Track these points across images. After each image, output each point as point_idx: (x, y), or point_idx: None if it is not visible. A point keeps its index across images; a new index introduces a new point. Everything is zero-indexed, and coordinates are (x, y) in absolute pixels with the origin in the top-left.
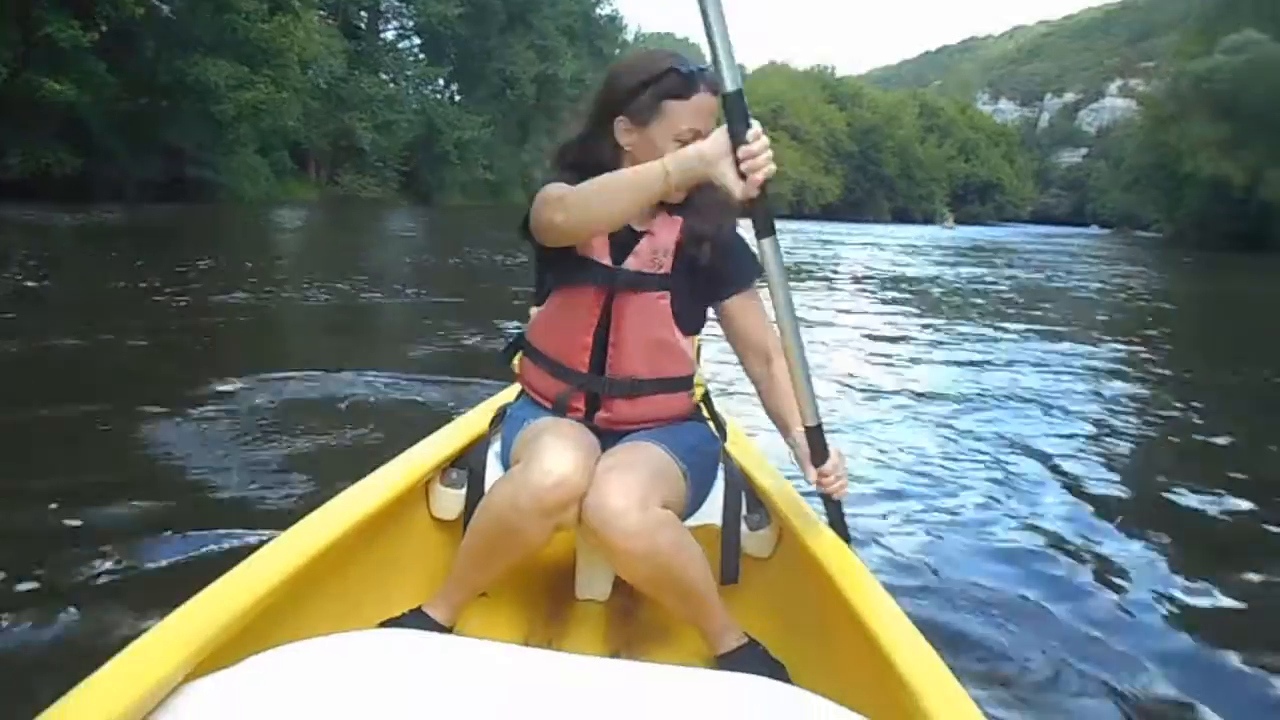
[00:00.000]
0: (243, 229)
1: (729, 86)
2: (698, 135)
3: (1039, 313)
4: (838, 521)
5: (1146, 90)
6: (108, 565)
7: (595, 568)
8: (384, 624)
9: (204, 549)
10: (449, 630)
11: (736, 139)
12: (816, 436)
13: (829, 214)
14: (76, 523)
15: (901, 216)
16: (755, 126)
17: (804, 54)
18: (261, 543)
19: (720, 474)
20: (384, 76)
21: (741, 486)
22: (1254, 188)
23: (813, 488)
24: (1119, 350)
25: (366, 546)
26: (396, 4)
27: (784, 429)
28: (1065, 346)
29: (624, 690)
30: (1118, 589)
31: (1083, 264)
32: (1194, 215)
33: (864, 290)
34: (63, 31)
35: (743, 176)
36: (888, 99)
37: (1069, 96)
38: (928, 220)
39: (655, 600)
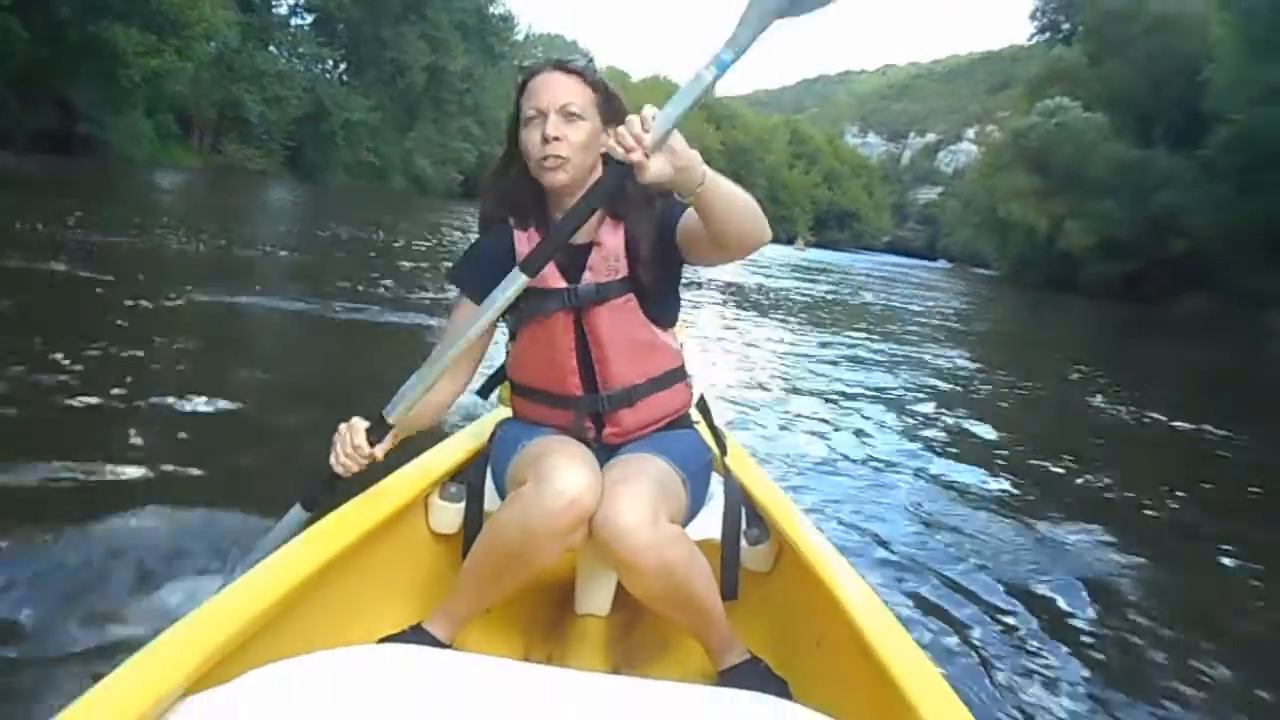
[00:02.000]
0: (133, 188)
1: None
2: (540, 114)
3: (848, 320)
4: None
5: (987, 139)
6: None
7: (596, 582)
8: (383, 640)
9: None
10: (448, 646)
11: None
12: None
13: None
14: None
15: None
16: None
17: (688, 70)
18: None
19: (720, 489)
20: (274, 51)
21: (741, 501)
22: (1055, 236)
23: (811, 502)
24: (918, 352)
25: (365, 561)
26: None
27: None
28: (879, 348)
29: (625, 707)
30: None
31: (901, 288)
32: (1015, 258)
33: (731, 299)
34: None
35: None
36: (762, 123)
37: (931, 137)
38: (790, 241)
39: (657, 615)
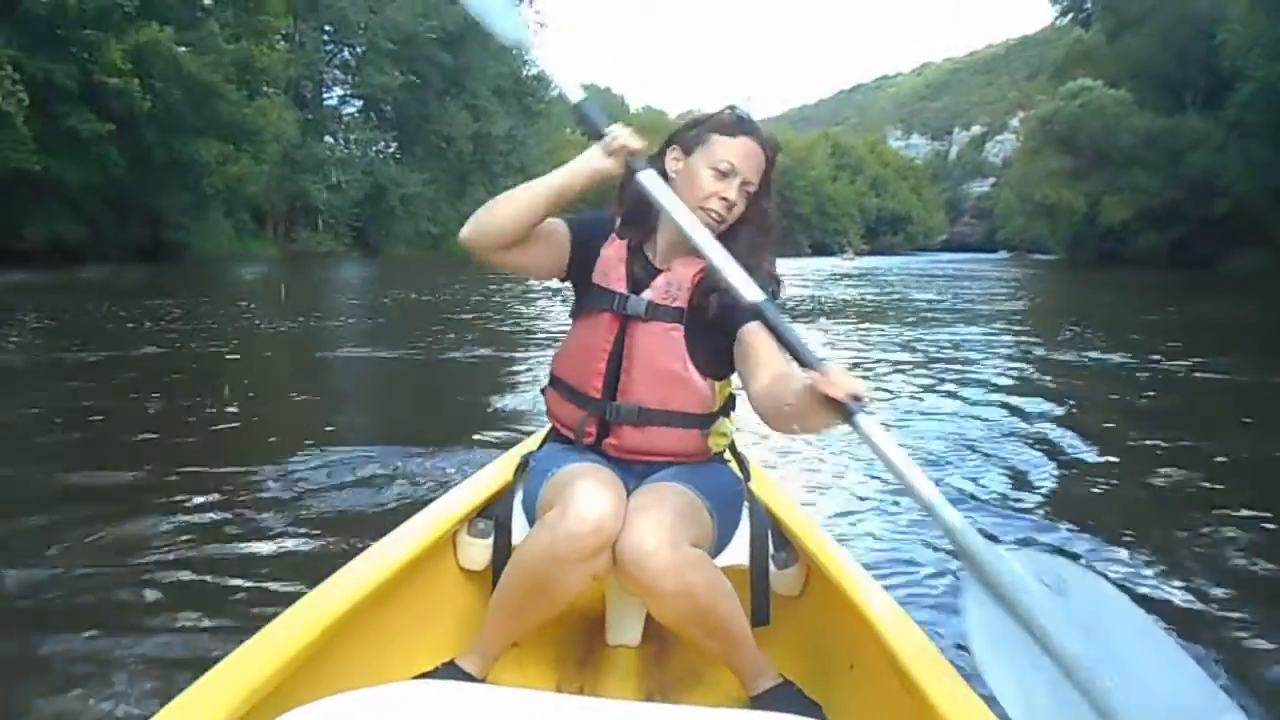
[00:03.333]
0: (223, 282)
1: (572, 100)
2: (731, 170)
3: (887, 317)
4: (862, 427)
5: (1024, 127)
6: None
7: (626, 612)
8: (416, 678)
9: (227, 605)
10: (482, 681)
11: (596, 136)
12: (769, 321)
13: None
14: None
15: (819, 250)
16: (612, 128)
17: (722, 99)
18: (289, 598)
19: (745, 514)
20: (330, 140)
21: (767, 525)
22: (1093, 214)
23: (838, 523)
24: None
25: (396, 600)
26: (339, 74)
27: (788, 382)
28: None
29: None
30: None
31: (946, 282)
32: (1066, 239)
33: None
34: (84, 124)
35: (609, 153)
36: (800, 140)
37: (975, 130)
38: (839, 251)
39: (688, 642)
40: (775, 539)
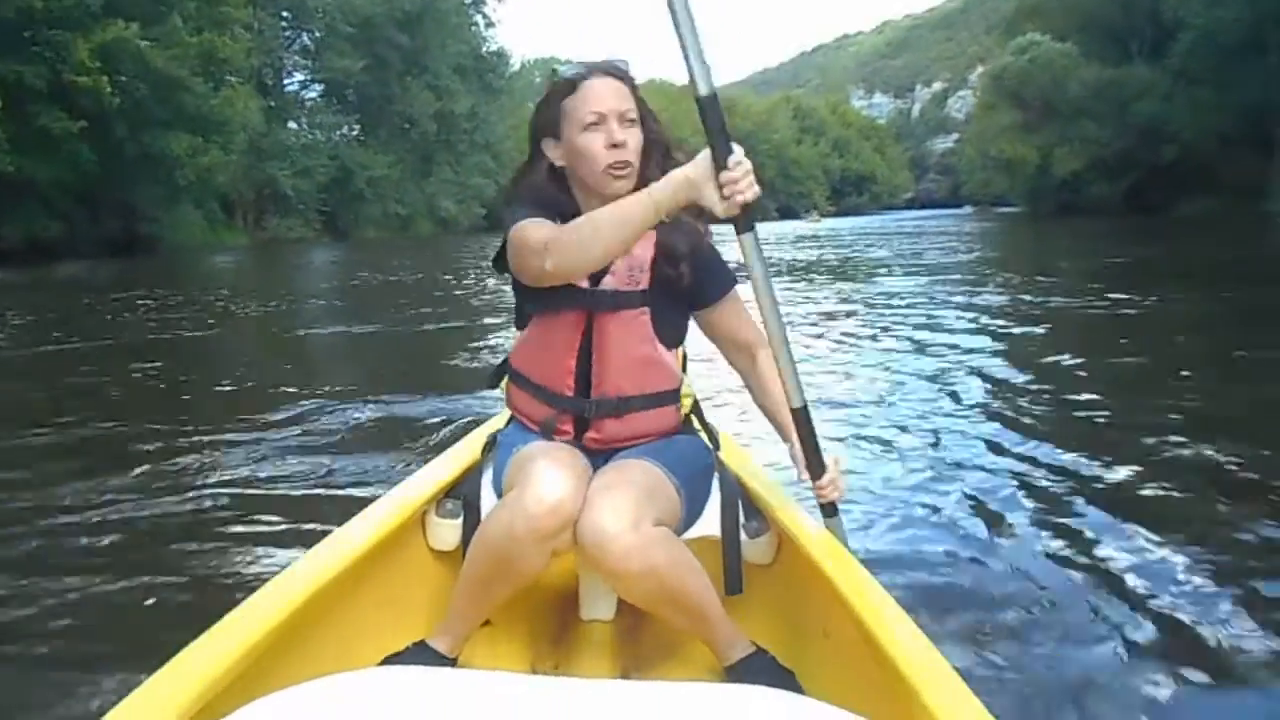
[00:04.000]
0: (197, 272)
1: (701, 90)
2: (602, 118)
3: (843, 277)
4: (836, 527)
5: (978, 83)
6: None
7: (598, 588)
8: (387, 659)
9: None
10: (453, 662)
11: (719, 162)
12: (804, 422)
13: (715, 217)
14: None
15: (786, 213)
16: (737, 152)
17: (683, 68)
18: (259, 576)
19: (716, 484)
20: (294, 126)
21: (738, 495)
22: (1046, 166)
23: (809, 491)
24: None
25: (365, 582)
26: (299, 60)
27: (782, 429)
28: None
29: (636, 711)
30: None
31: (906, 240)
32: (1025, 192)
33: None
34: (56, 123)
35: (725, 197)
36: (761, 104)
37: (937, 86)
38: (809, 214)
39: (660, 618)
40: (746, 508)
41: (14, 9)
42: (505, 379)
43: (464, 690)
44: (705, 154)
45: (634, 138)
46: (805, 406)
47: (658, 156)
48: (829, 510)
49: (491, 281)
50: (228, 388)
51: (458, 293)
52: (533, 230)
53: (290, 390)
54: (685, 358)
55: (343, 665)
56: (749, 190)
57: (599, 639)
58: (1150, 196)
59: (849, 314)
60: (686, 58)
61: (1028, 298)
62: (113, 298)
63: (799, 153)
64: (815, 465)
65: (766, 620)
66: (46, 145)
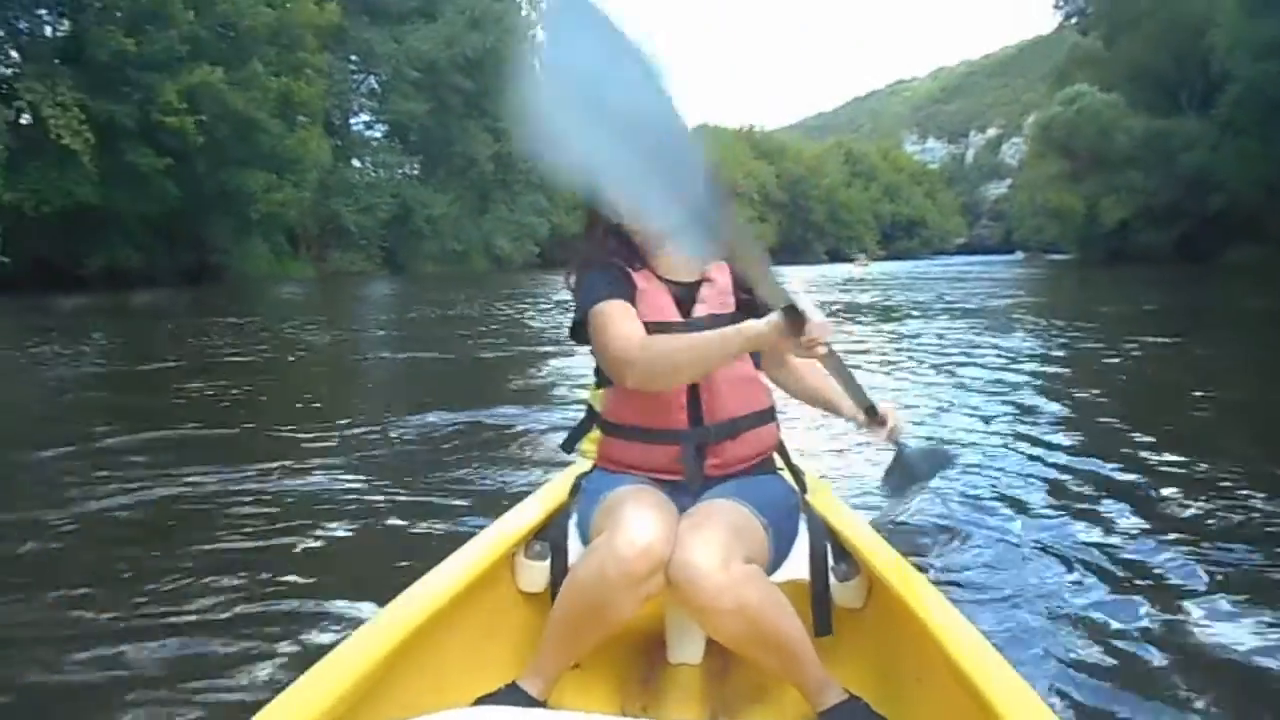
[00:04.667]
0: (268, 301)
1: (780, 304)
2: None
3: (887, 320)
4: (910, 452)
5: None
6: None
7: (686, 631)
8: (479, 700)
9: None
10: (544, 704)
11: (794, 329)
12: (843, 372)
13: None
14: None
15: (835, 256)
16: (813, 315)
17: (737, 111)
18: (355, 617)
19: (803, 526)
20: (358, 164)
21: (825, 536)
22: (1094, 215)
23: (899, 531)
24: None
25: (456, 623)
26: (365, 101)
27: (825, 402)
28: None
29: None
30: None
31: (951, 285)
32: (1076, 240)
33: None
34: (143, 159)
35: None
36: (813, 150)
37: (991, 132)
38: (856, 257)
39: (750, 660)
40: (835, 551)
41: (109, 52)
42: (589, 435)
43: None
44: (779, 316)
45: None
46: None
47: None
48: (898, 445)
49: (544, 316)
50: (305, 405)
51: (514, 320)
52: (617, 330)
53: (363, 407)
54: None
55: (435, 705)
56: (826, 344)
57: (687, 682)
58: (1199, 245)
59: (883, 352)
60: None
61: (1061, 340)
62: (194, 323)
63: (849, 196)
64: (867, 404)
65: (858, 665)
66: (134, 180)
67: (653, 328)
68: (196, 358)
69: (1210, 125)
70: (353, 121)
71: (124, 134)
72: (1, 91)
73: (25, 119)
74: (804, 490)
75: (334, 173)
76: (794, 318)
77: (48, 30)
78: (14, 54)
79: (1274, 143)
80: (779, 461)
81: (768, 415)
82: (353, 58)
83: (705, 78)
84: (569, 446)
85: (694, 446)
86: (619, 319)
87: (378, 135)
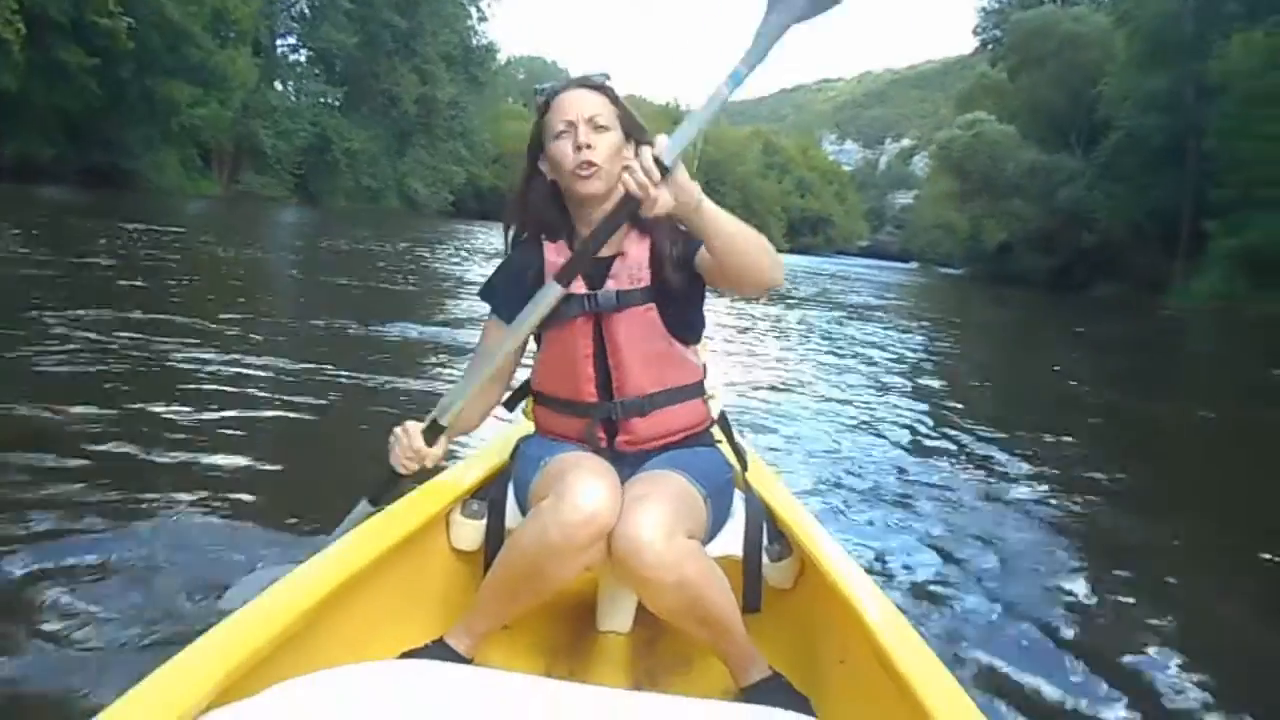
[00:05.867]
0: (174, 213)
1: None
2: (571, 125)
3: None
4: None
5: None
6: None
7: (617, 599)
8: (404, 655)
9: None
10: (470, 661)
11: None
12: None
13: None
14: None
15: None
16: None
17: (662, 90)
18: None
19: (741, 504)
20: (278, 87)
21: (762, 516)
22: (976, 235)
23: (833, 517)
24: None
25: (387, 577)
26: (292, 23)
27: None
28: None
29: None
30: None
31: (844, 282)
32: (964, 256)
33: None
34: (71, 56)
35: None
36: (734, 135)
37: (905, 142)
38: None
39: (679, 632)
40: (769, 531)
41: None
42: (527, 402)
43: (480, 688)
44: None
45: (604, 142)
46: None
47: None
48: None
49: (449, 256)
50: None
51: (427, 258)
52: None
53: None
54: (704, 365)
55: (360, 658)
56: (639, 173)
57: (614, 650)
58: (1073, 276)
59: (770, 330)
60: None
61: (910, 338)
62: (108, 225)
63: (762, 186)
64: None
65: (784, 644)
66: (58, 75)
67: (559, 303)
68: (114, 257)
69: (1089, 165)
70: (278, 44)
71: (55, 28)
72: None
73: None
74: (745, 468)
75: (256, 93)
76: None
77: None
78: None
79: (1145, 189)
80: (719, 435)
81: (689, 391)
82: None
83: (634, 49)
84: (511, 406)
85: (600, 420)
86: (490, 338)
87: (301, 60)
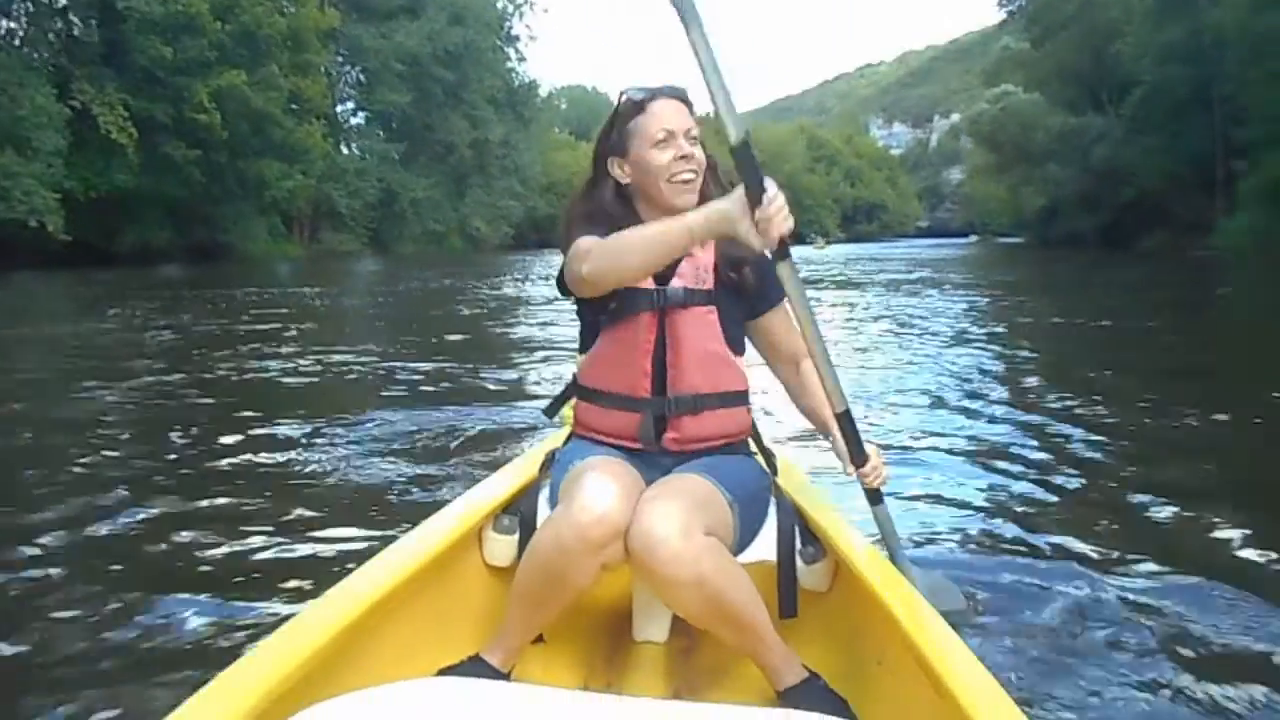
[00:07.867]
0: (268, 274)
1: (732, 140)
2: (671, 135)
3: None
4: (882, 515)
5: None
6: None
7: (652, 609)
8: (441, 671)
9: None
10: (507, 676)
11: (753, 199)
12: (847, 423)
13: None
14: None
15: (796, 240)
16: (770, 188)
17: (703, 98)
18: (316, 589)
19: (772, 508)
20: (346, 151)
21: (794, 520)
22: (1017, 203)
23: (867, 519)
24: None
25: (422, 594)
26: (350, 90)
27: (823, 426)
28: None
29: None
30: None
31: (901, 264)
32: (1014, 224)
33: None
34: (177, 150)
35: (761, 232)
36: (777, 134)
37: (955, 117)
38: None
39: (714, 638)
40: (803, 534)
41: (148, 59)
42: (570, 403)
43: (517, 703)
44: (740, 191)
45: (699, 154)
46: (848, 412)
47: (715, 177)
48: (875, 498)
49: (508, 290)
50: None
51: (492, 291)
52: (584, 241)
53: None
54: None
55: (397, 676)
56: (784, 224)
57: (651, 660)
58: (1120, 231)
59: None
60: (717, 108)
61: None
62: (219, 293)
63: (811, 181)
64: (858, 454)
65: (821, 648)
66: (167, 169)
67: (628, 294)
68: (226, 319)
69: (1119, 122)
70: (340, 110)
71: (160, 128)
72: (58, 93)
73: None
74: (775, 472)
75: (326, 158)
76: (754, 186)
77: (74, 31)
78: (64, 59)
79: (1177, 137)
80: (753, 446)
81: (737, 398)
82: (342, 52)
83: (672, 59)
84: (551, 412)
85: (652, 416)
86: (586, 238)
87: (361, 122)
